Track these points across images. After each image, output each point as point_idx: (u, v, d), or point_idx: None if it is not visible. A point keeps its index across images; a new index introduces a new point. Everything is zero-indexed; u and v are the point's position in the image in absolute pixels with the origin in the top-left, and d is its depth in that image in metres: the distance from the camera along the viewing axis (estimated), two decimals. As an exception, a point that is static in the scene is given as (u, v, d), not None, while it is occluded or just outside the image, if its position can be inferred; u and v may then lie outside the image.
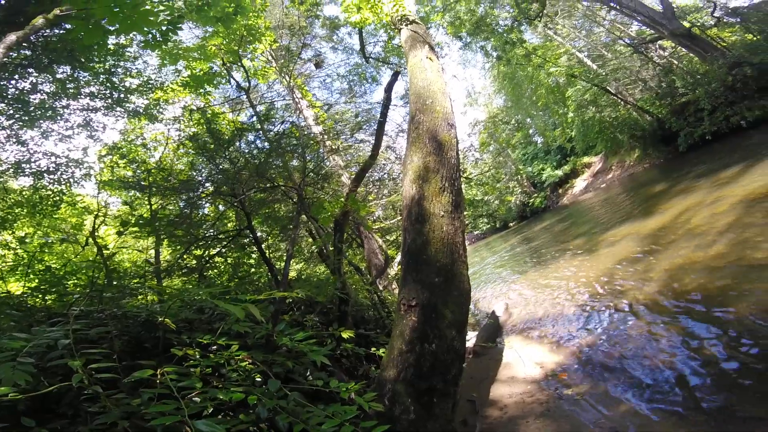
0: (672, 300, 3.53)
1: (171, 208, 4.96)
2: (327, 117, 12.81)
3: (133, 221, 3.93)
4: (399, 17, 6.43)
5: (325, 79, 15.49)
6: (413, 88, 4.85)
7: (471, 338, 5.12)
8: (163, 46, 4.59)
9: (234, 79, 7.71)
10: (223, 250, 4.35)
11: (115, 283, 3.41)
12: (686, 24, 17.30)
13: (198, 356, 1.59)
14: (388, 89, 5.59)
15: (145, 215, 4.65)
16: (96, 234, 4.66)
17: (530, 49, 24.21)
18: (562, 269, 6.77)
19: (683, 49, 18.66)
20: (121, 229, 3.79)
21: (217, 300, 1.39)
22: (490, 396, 3.31)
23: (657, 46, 21.65)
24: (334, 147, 8.30)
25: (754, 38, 16.08)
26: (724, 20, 17.72)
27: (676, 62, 20.95)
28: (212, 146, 3.97)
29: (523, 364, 3.70)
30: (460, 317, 3.00)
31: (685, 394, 2.29)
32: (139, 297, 2.60)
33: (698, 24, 18.76)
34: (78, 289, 3.45)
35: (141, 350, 1.89)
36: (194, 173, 4.94)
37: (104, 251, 4.16)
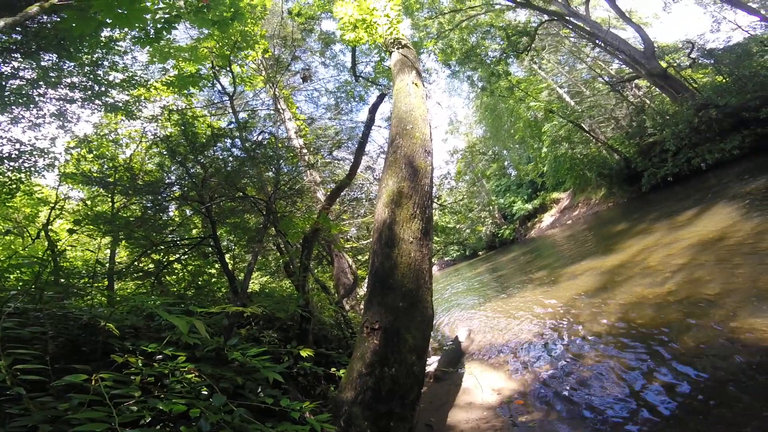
0: (625, 333, 3.68)
1: (134, 207, 4.75)
2: (309, 131, 12.84)
3: (85, 218, 3.73)
4: (392, 40, 6.57)
5: (312, 93, 15.63)
6: (396, 112, 4.94)
7: (433, 362, 5.11)
8: (155, 44, 4.53)
9: (220, 83, 7.65)
10: (184, 257, 4.18)
11: (62, 281, 3.20)
12: (663, 64, 17.50)
13: (140, 364, 1.51)
14: (373, 110, 5.68)
15: (106, 213, 4.44)
16: (50, 227, 4.39)
17: (514, 82, 25.04)
18: (524, 299, 6.93)
19: (657, 89, 19.09)
20: (74, 227, 3.57)
21: (162, 311, 1.33)
22: (448, 421, 3.30)
23: (633, 85, 22.34)
24: (312, 162, 8.27)
25: (724, 80, 16.12)
26: (699, 61, 17.90)
27: (648, 102, 21.66)
28: (184, 149, 3.87)
29: (482, 390, 3.72)
30: (421, 343, 3.00)
31: (633, 426, 2.35)
32: (86, 298, 2.44)
33: (674, 64, 19.13)
34: (20, 284, 3.21)
35: (78, 354, 1.76)
36: (164, 174, 4.79)
37: (56, 246, 3.92)
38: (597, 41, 19.68)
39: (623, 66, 21.70)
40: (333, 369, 3.69)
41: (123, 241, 4.10)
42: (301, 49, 14.59)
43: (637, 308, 4.13)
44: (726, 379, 2.38)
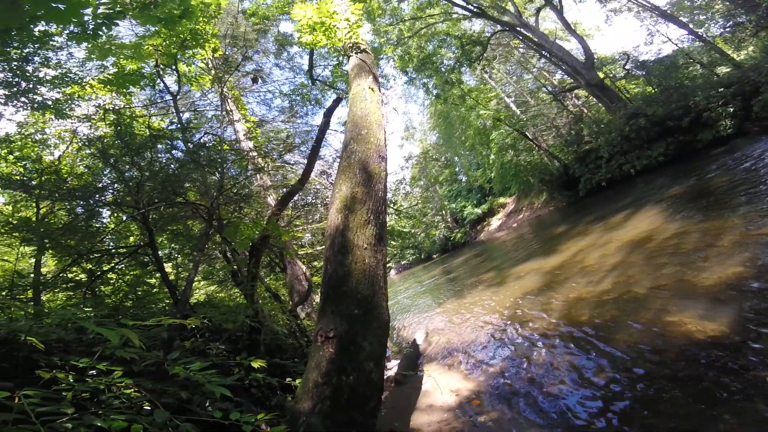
0: (568, 331, 3.90)
1: (62, 213, 4.31)
2: (260, 133, 12.42)
3: (2, 225, 3.31)
4: (351, 44, 6.46)
5: (266, 94, 15.10)
6: (351, 116, 4.90)
7: (393, 366, 5.12)
8: (93, 41, 4.12)
9: (164, 82, 7.17)
10: (119, 267, 3.83)
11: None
12: (601, 75, 18.77)
13: (72, 380, 1.36)
14: (328, 113, 5.62)
15: (29, 219, 3.97)
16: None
17: (466, 91, 26.11)
18: (476, 299, 7.17)
19: (594, 99, 20.45)
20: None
21: (89, 323, 1.21)
22: (411, 425, 3.29)
23: (573, 94, 23.96)
24: (262, 165, 7.99)
25: (653, 91, 17.23)
26: (633, 72, 19.35)
27: (586, 111, 23.36)
28: (117, 151, 3.55)
29: (440, 392, 3.76)
30: (378, 349, 2.97)
31: (578, 418, 2.50)
32: (6, 311, 2.15)
33: (611, 75, 20.62)
34: None
35: (-4, 371, 1.54)
36: (97, 178, 4.39)
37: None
38: (543, 52, 20.91)
39: (565, 76, 23.19)
40: (289, 379, 3.57)
41: (50, 250, 3.68)
42: (255, 50, 14.11)
43: (578, 306, 4.40)
44: (662, 372, 2.56)
